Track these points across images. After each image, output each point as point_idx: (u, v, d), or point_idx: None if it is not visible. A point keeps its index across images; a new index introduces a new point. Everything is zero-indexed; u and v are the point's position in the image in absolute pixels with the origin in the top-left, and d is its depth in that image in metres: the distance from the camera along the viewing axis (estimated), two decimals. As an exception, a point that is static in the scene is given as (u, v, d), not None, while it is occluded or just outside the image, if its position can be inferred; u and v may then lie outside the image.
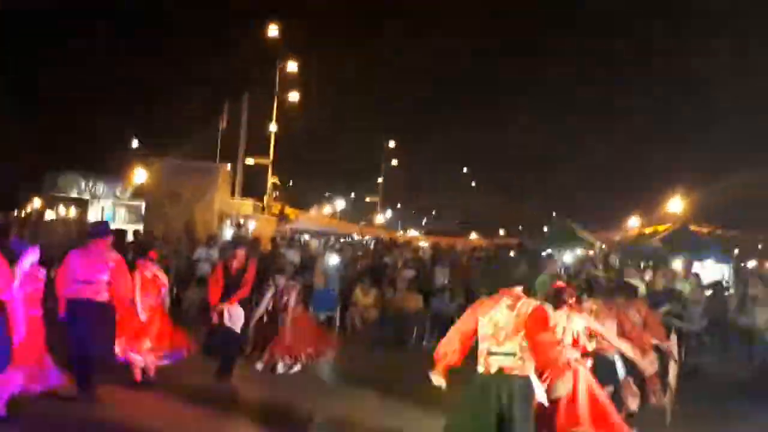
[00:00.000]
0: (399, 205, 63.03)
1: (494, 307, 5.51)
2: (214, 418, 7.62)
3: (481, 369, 5.46)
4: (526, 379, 5.40)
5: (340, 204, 44.50)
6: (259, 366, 9.57)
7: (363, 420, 7.69)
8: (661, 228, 23.66)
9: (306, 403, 8.61)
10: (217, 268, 9.85)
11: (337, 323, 13.95)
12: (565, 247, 23.85)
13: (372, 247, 19.34)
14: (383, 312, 14.07)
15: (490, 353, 5.40)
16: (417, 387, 9.27)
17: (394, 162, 48.92)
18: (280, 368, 9.60)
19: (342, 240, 23.40)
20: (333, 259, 15.28)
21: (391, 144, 46.30)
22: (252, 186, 26.40)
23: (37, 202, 24.42)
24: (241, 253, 9.45)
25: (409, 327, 13.66)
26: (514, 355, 5.36)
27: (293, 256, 15.93)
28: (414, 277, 15.02)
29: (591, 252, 22.82)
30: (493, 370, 5.36)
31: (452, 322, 13.33)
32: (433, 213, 67.24)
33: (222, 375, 9.09)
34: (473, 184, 60.55)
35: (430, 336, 13.74)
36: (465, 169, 58.61)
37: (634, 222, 29.56)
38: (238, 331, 9.18)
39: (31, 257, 6.87)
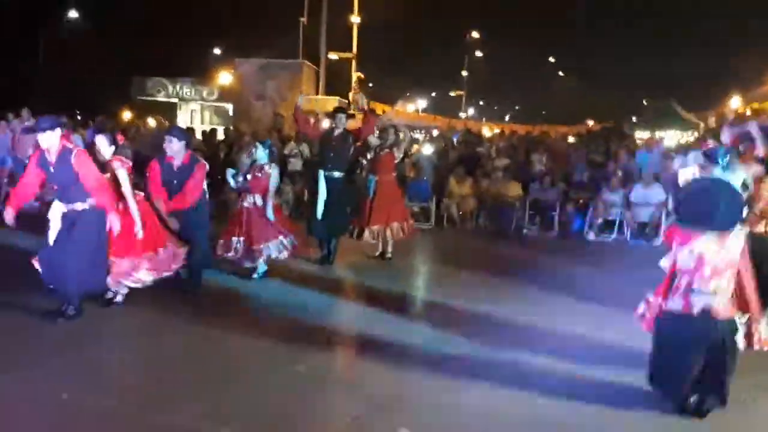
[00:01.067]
0: (482, 102, 61.57)
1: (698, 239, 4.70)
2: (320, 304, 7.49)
3: (677, 307, 4.79)
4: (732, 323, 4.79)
5: (422, 103, 43.70)
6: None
7: (469, 306, 7.39)
8: (768, 105, 22.19)
9: (406, 288, 8.48)
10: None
11: (433, 215, 13.64)
12: (666, 128, 22.72)
13: (462, 137, 18.71)
14: (480, 201, 13.68)
15: (691, 291, 4.70)
16: (519, 274, 9.13)
17: (478, 53, 47.37)
18: (367, 235, 9.52)
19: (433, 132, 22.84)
20: (425, 149, 14.83)
21: (475, 35, 44.69)
22: (336, 83, 25.97)
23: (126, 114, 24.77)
24: (342, 119, 9.26)
25: (509, 215, 13.27)
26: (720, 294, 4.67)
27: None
28: (508, 166, 14.54)
29: (695, 134, 21.66)
30: (695, 310, 4.69)
31: (553, 208, 13.22)
32: (516, 108, 65.38)
33: (324, 260, 9.17)
34: (560, 73, 58.24)
35: (530, 224, 13.35)
36: (551, 59, 56.24)
37: (735, 102, 27.73)
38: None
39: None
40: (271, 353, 5.83)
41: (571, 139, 20.79)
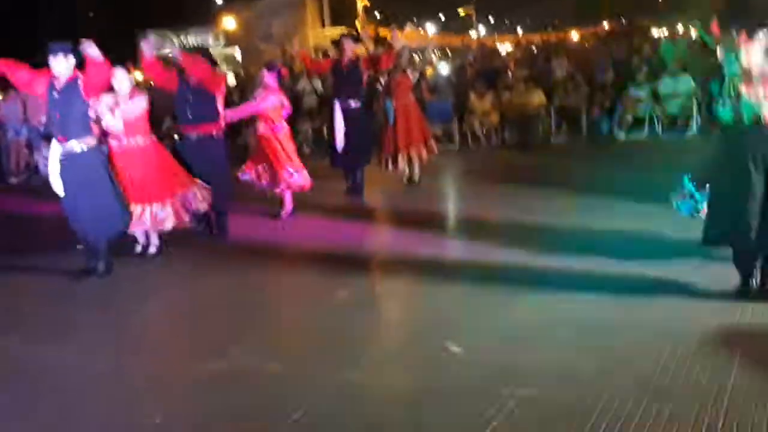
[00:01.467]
0: (491, 18, 60.02)
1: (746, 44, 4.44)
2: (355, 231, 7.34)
3: (728, 117, 4.54)
4: None
5: (430, 27, 42.67)
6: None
7: (504, 220, 7.20)
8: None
9: (439, 208, 8.35)
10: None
11: (456, 134, 13.35)
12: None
13: (477, 54, 18.24)
14: (503, 115, 13.33)
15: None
16: (551, 183, 8.89)
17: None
18: (399, 162, 9.36)
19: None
20: (442, 69, 14.44)
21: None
22: (342, 13, 25.31)
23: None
24: (349, 45, 8.93)
25: (534, 125, 12.94)
26: None
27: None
28: (529, 75, 14.12)
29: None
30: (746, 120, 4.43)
31: (579, 112, 12.86)
32: (528, 21, 63.70)
33: (351, 191, 9.05)
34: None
35: (556, 132, 13.02)
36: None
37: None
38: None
39: None
40: (311, 286, 5.72)
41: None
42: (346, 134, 8.78)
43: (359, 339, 4.50)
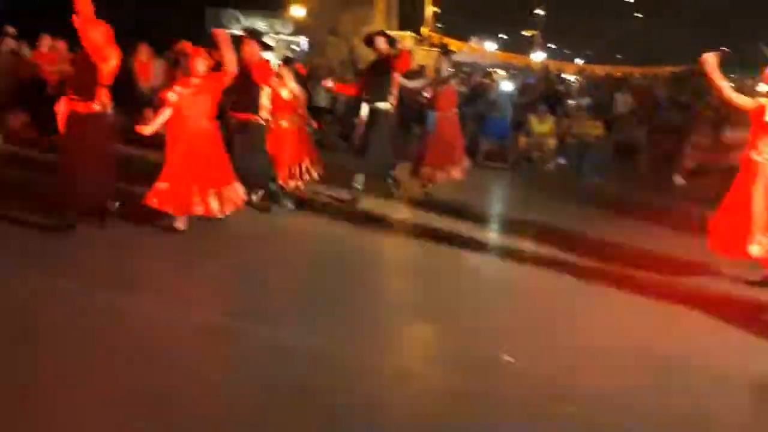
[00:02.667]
0: (552, 45, 59.73)
1: None
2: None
3: None
4: None
5: (489, 45, 42.66)
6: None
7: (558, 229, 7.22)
8: None
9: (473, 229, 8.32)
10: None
11: (510, 154, 13.35)
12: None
13: (542, 75, 18.20)
14: (561, 140, 13.31)
15: None
16: (601, 214, 8.86)
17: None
18: (429, 173, 9.17)
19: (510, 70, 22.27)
20: (505, 86, 14.44)
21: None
22: (410, 18, 25.41)
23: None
24: (382, 44, 8.46)
25: (590, 155, 12.89)
26: None
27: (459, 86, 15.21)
28: (591, 105, 14.08)
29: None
30: None
31: (637, 149, 12.80)
32: (588, 53, 63.32)
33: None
34: (638, 15, 55.96)
35: (612, 165, 12.96)
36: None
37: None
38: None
39: None
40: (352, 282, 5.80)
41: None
42: (370, 136, 8.36)
43: (416, 337, 4.58)
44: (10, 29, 12.97)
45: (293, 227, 7.26)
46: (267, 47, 7.63)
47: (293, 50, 23.65)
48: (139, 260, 5.89)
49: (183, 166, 6.39)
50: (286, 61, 8.25)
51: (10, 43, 12.72)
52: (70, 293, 4.85)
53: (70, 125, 6.25)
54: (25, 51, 13.06)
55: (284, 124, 8.30)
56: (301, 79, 8.73)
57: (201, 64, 6.59)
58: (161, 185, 6.34)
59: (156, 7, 28.89)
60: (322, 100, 14.80)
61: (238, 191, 6.73)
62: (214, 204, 6.48)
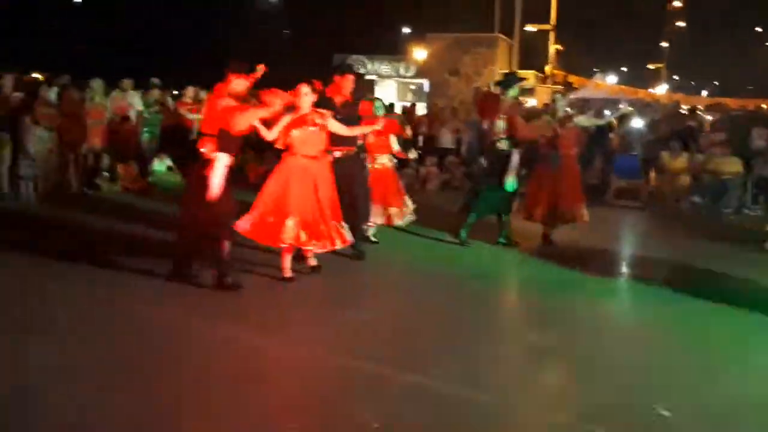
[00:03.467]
0: (675, 77, 57.89)
1: None
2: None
3: None
4: None
5: (611, 79, 41.85)
6: None
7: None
8: None
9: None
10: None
11: (643, 192, 13.03)
12: None
13: (673, 110, 17.64)
14: (695, 179, 12.86)
15: None
16: (746, 258, 8.46)
17: (681, 23, 44.49)
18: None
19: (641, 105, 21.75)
20: (635, 123, 14.14)
21: (677, 3, 42.00)
22: (533, 56, 25.41)
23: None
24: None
25: (728, 194, 12.40)
26: None
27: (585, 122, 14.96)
28: (726, 140, 13.54)
29: None
30: None
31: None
32: (715, 83, 60.93)
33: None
34: (768, 44, 53.52)
35: (752, 203, 12.41)
36: (758, 29, 51.78)
37: None
38: None
39: None
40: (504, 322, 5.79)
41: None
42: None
43: (574, 385, 4.54)
44: (155, 80, 13.91)
45: (415, 275, 7.32)
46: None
47: (413, 91, 24.12)
48: (277, 304, 6.09)
49: (283, 197, 6.37)
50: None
51: (154, 94, 13.62)
52: (232, 339, 5.08)
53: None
54: (169, 101, 13.95)
55: (382, 162, 8.47)
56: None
57: (309, 100, 6.63)
58: (254, 214, 6.37)
59: (278, 53, 30.38)
60: (447, 142, 14.97)
61: (343, 231, 6.63)
62: (303, 236, 6.36)
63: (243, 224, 6.35)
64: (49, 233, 8.46)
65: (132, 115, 12.72)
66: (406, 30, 35.56)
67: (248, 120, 6.07)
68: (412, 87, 25.05)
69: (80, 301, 5.77)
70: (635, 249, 9.57)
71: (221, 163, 6.00)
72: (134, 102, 13.08)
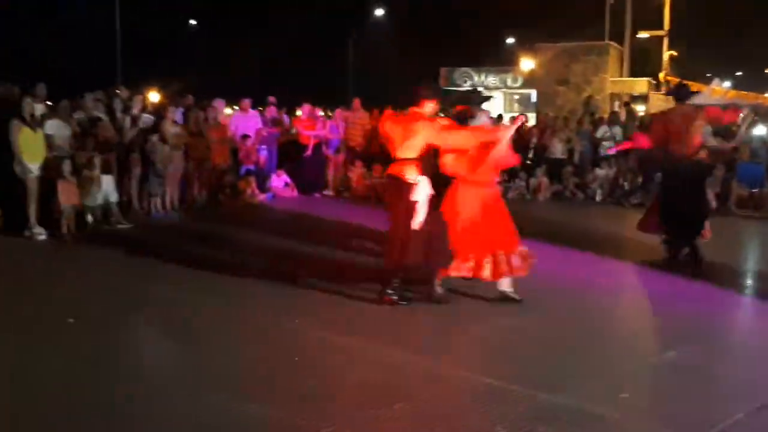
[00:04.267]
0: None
1: None
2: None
3: None
4: None
5: (725, 84, 40.11)
6: None
7: None
8: None
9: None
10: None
11: (765, 199, 12.48)
12: None
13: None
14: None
15: None
16: None
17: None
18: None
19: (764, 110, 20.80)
20: (758, 130, 13.57)
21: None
22: (646, 63, 24.76)
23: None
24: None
25: None
26: None
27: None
28: None
29: None
30: None
31: None
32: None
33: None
34: None
35: None
36: None
37: None
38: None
39: None
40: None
41: None
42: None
43: (709, 404, 4.44)
44: (272, 98, 14.43)
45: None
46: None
47: (519, 102, 23.98)
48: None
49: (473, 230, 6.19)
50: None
51: (272, 111, 14.12)
52: (358, 350, 5.25)
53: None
54: (284, 118, 14.44)
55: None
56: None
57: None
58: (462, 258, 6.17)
59: (388, 69, 30.86)
60: (558, 152, 14.81)
61: (519, 259, 6.27)
62: (487, 269, 6.17)
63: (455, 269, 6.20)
64: (197, 246, 8.91)
65: (251, 133, 13.23)
66: (510, 40, 35.39)
67: (474, 139, 6.11)
68: (516, 97, 24.92)
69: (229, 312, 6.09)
70: (757, 261, 9.18)
71: (424, 187, 6.08)
72: (253, 120, 13.61)
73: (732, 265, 8.34)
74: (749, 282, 7.72)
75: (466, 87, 23.50)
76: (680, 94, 8.35)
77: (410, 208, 6.03)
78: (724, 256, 8.40)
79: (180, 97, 13.59)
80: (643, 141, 8.82)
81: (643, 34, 24.85)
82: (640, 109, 20.12)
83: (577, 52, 21.87)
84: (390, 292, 6.20)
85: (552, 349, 5.35)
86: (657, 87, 22.11)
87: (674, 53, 24.45)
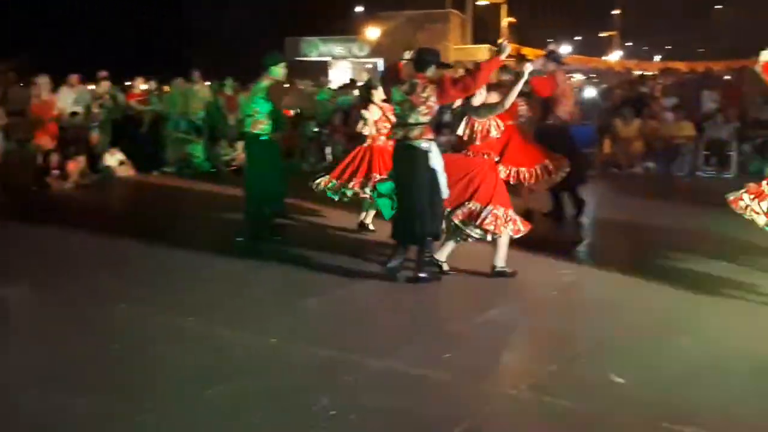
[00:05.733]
0: (629, 43, 58.44)
1: None
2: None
3: None
4: None
5: (565, 48, 42.06)
6: None
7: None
8: None
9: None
10: None
11: (597, 158, 13.16)
12: None
13: (624, 77, 17.83)
14: (648, 144, 13.04)
15: None
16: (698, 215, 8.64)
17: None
18: None
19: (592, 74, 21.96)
20: (588, 92, 14.27)
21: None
22: (487, 30, 25.38)
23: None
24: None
25: (680, 157, 12.61)
26: None
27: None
28: (677, 105, 13.74)
29: None
30: None
31: (728, 147, 12.39)
32: (668, 47, 61.72)
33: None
34: (717, 6, 54.14)
35: (704, 165, 12.61)
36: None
37: None
38: None
39: None
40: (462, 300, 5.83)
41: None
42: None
43: (526, 358, 4.59)
44: (103, 73, 13.62)
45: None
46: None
47: (369, 71, 24.03)
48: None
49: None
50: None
51: (103, 87, 13.37)
52: (188, 330, 5.06)
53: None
54: (118, 94, 13.70)
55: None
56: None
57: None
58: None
59: (235, 43, 29.95)
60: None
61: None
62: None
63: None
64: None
65: (80, 110, 12.47)
66: (359, 9, 35.35)
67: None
68: (369, 66, 24.96)
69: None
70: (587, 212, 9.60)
71: (437, 154, 5.89)
72: (84, 97, 12.83)
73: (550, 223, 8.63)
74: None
75: (314, 57, 23.39)
76: (557, 57, 8.56)
77: (430, 177, 5.82)
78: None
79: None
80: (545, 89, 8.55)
81: (482, 2, 25.50)
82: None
83: (421, 21, 22.16)
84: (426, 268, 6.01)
85: (384, 317, 5.40)
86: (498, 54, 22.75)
87: (512, 20, 25.26)
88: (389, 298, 5.88)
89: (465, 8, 24.09)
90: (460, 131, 6.10)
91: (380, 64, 22.96)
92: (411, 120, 5.83)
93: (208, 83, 14.39)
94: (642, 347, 4.65)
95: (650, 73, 18.87)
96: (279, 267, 6.62)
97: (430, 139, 5.86)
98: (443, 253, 6.24)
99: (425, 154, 5.81)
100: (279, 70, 7.24)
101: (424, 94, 5.78)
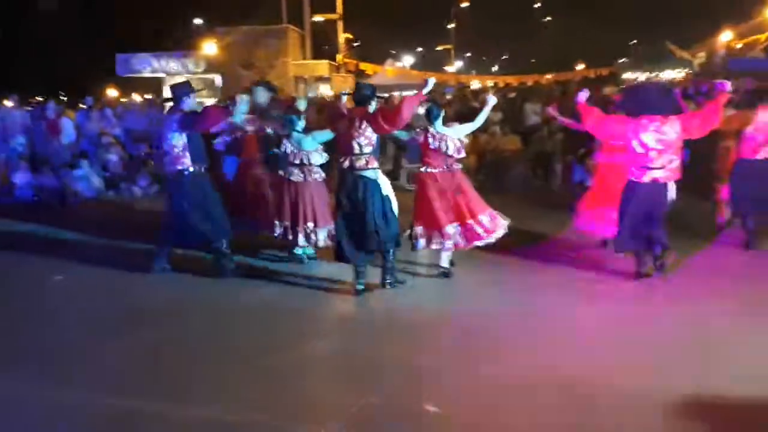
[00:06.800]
0: (469, 54, 60.85)
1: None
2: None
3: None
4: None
5: (408, 59, 43.14)
6: None
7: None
8: (762, 37, 21.94)
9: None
10: None
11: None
12: (658, 69, 22.50)
13: (456, 92, 18.46)
14: (480, 157, 13.51)
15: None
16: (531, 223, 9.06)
17: (465, 4, 46.45)
18: None
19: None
20: (421, 107, 14.56)
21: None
22: (325, 46, 25.47)
23: (112, 92, 24.27)
24: None
25: (511, 170, 13.15)
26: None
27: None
28: (504, 119, 14.34)
29: (688, 71, 21.46)
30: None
31: (554, 158, 13.05)
32: (504, 57, 64.80)
33: None
34: (547, 19, 57.34)
35: (533, 176, 13.22)
36: (537, 4, 55.32)
37: (727, 36, 26.94)
38: None
39: None
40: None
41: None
42: None
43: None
44: None
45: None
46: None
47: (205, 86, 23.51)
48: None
49: None
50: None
51: None
52: None
53: None
54: None
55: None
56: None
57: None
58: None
59: (62, 54, 28.43)
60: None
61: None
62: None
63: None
64: None
65: None
66: (198, 21, 34.50)
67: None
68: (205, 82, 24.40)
69: None
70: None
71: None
72: None
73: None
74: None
75: (147, 74, 22.61)
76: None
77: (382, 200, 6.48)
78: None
79: None
80: None
81: (318, 18, 25.58)
82: (324, 90, 20.78)
83: (259, 36, 21.95)
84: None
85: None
86: (337, 69, 22.96)
87: (349, 36, 25.56)
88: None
89: (303, 24, 24.06)
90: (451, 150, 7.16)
91: (218, 79, 22.53)
92: (355, 150, 6.39)
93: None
94: (456, 373, 4.75)
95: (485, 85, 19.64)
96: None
97: (375, 168, 6.51)
98: (444, 260, 7.01)
99: (375, 182, 6.47)
100: (190, 101, 7.08)
101: (362, 128, 6.36)
